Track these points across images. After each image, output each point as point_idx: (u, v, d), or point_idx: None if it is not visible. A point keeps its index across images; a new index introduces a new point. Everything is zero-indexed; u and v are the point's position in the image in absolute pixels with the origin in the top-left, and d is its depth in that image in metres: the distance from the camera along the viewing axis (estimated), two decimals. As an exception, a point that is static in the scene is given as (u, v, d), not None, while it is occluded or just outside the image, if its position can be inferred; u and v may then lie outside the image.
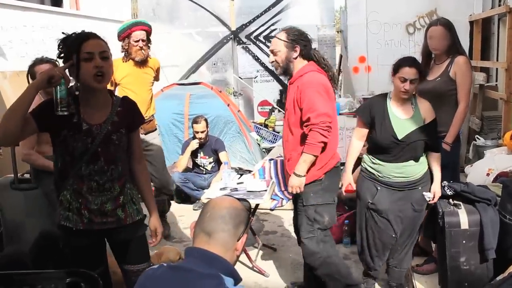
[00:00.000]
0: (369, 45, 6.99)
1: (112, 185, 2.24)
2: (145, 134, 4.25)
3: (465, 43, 5.74)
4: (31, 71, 3.44)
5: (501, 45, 6.02)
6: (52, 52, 2.08)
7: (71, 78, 2.14)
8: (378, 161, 3.03)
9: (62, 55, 2.15)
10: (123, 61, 4.14)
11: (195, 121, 5.50)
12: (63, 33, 2.18)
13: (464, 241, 2.83)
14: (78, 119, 2.14)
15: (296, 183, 2.84)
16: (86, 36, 2.12)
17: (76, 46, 2.08)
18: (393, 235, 3.07)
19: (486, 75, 6.13)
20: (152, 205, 2.46)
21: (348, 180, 3.20)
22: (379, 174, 3.04)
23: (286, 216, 4.91)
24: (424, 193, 3.02)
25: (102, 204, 2.22)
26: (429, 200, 3.03)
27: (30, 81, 3.45)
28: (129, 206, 2.31)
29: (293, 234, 4.49)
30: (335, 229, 4.33)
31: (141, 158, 2.43)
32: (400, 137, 2.91)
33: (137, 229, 2.36)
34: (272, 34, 8.01)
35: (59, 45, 2.16)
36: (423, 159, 3.01)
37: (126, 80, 4.11)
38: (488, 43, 6.70)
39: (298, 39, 2.94)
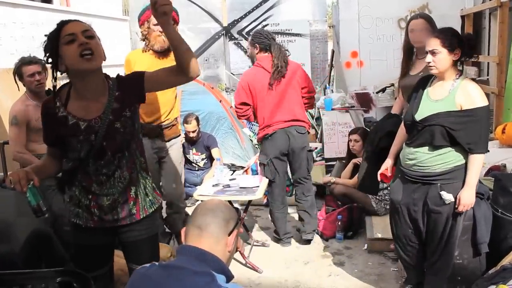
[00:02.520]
0: (361, 40, 6.97)
1: (121, 174, 2.09)
2: (167, 141, 3.72)
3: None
4: (18, 72, 3.40)
5: (492, 39, 6.03)
6: (41, 49, 1.99)
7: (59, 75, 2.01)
8: (403, 145, 2.86)
9: (48, 54, 1.97)
10: (143, 51, 3.57)
11: (185, 121, 5.48)
12: (45, 35, 2.00)
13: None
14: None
15: None
16: (65, 22, 1.96)
17: (56, 33, 1.93)
18: (410, 230, 2.89)
19: (477, 69, 6.14)
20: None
21: (385, 165, 3.07)
22: (400, 160, 2.87)
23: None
24: (441, 192, 2.66)
25: (113, 200, 2.10)
26: (448, 203, 2.66)
27: (17, 80, 3.41)
28: (142, 198, 2.17)
29: (292, 230, 4.50)
30: (327, 224, 4.34)
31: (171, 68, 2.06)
32: (418, 118, 2.67)
33: (150, 227, 2.22)
34: (264, 29, 7.99)
35: (44, 46, 1.98)
36: (451, 153, 2.64)
37: None
38: (479, 37, 6.71)
39: (255, 38, 3.97)
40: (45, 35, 2.00)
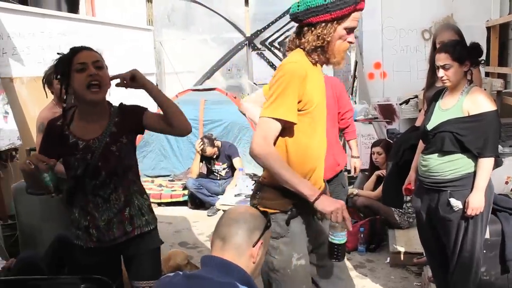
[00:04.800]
0: (385, 51, 6.91)
1: (117, 196, 2.18)
2: None
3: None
4: (48, 79, 3.46)
5: (520, 51, 5.94)
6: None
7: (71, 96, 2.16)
8: (420, 154, 2.90)
9: (59, 75, 2.12)
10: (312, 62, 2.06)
11: (202, 150, 5.57)
12: (58, 53, 2.16)
13: (484, 251, 2.76)
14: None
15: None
16: (78, 49, 2.12)
17: (68, 59, 2.08)
18: (430, 236, 2.86)
19: (503, 82, 6.02)
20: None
21: (409, 179, 3.12)
22: (418, 168, 2.90)
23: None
24: (450, 199, 2.65)
25: (109, 220, 2.17)
26: (457, 210, 2.63)
27: (46, 87, 3.47)
28: (137, 218, 2.23)
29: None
30: (350, 237, 4.29)
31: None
32: (429, 127, 2.72)
33: (147, 242, 2.27)
34: (287, 40, 7.99)
35: (55, 65, 2.14)
36: (460, 160, 2.64)
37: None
38: (505, 49, 6.59)
39: None
40: (58, 59, 2.14)
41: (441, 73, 2.68)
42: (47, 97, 3.51)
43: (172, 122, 2.14)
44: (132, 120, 2.21)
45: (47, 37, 5.17)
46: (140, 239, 2.24)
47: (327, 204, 1.89)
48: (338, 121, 3.50)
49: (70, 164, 2.15)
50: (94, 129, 2.16)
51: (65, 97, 2.21)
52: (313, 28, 2.00)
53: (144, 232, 2.25)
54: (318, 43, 1.98)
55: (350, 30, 1.97)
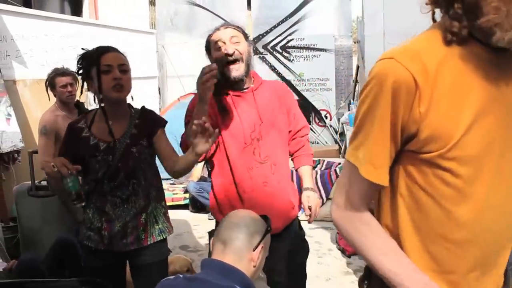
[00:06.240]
0: (387, 55, 6.94)
1: (137, 199, 2.17)
2: None
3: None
4: (51, 82, 3.48)
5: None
6: (71, 60, 2.09)
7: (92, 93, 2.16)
8: None
9: (81, 71, 2.15)
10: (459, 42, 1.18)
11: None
12: (82, 48, 2.17)
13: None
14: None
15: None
16: (105, 49, 2.12)
17: (95, 59, 2.08)
18: None
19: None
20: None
21: None
22: None
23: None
24: None
25: (125, 224, 2.15)
26: None
27: (49, 90, 3.50)
28: (151, 226, 2.22)
29: (312, 245, 4.46)
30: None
31: (173, 155, 2.22)
32: None
33: (158, 253, 2.25)
34: (289, 44, 8.02)
35: (78, 61, 2.15)
36: None
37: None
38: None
39: None
40: (82, 55, 2.14)
41: None
42: (49, 99, 3.54)
43: (173, 172, 2.16)
44: (149, 127, 2.22)
45: (50, 40, 5.19)
46: (150, 249, 2.22)
47: None
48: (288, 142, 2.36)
49: (91, 167, 2.13)
50: (116, 130, 2.15)
51: (95, 97, 2.16)
52: None
53: (156, 242, 2.23)
54: None
55: None
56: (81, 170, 2.11)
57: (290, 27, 8.04)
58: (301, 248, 2.39)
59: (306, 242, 2.41)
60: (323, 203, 5.27)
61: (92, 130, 2.16)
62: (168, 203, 5.92)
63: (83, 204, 2.10)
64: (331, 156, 6.81)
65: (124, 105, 2.20)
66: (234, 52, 2.15)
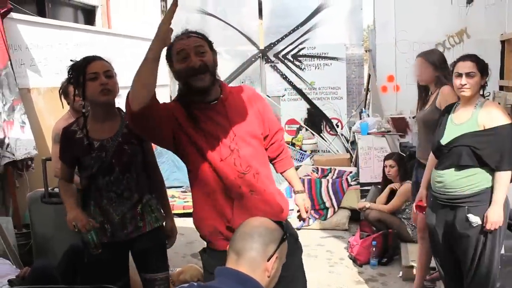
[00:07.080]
0: (398, 64, 6.92)
1: (131, 194, 2.37)
2: None
3: (496, 63, 5.63)
4: (65, 90, 3.51)
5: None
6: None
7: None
8: (433, 170, 2.85)
9: (72, 80, 2.35)
10: None
11: None
12: (71, 60, 2.39)
13: (500, 266, 2.72)
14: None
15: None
16: (91, 59, 2.32)
17: (82, 68, 2.28)
18: (446, 251, 2.81)
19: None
20: (167, 209, 2.60)
21: (419, 196, 3.09)
22: (431, 185, 2.85)
23: (313, 236, 4.86)
24: (468, 214, 2.60)
25: (123, 215, 2.35)
26: (475, 225, 2.58)
27: (63, 98, 3.53)
28: (148, 215, 2.42)
29: (320, 254, 4.44)
30: (362, 250, 4.26)
31: (155, 167, 2.56)
32: (444, 142, 2.70)
33: (156, 237, 2.47)
34: (301, 53, 8.04)
35: (68, 71, 2.37)
36: (478, 175, 2.61)
37: None
38: (521, 63, 6.55)
39: None
40: (71, 66, 2.36)
41: (463, 80, 2.66)
42: (63, 107, 3.56)
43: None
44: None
45: (64, 49, 5.26)
46: (149, 235, 2.43)
47: None
48: (265, 147, 2.32)
49: (86, 164, 2.34)
50: (107, 130, 2.36)
51: (82, 103, 2.43)
52: None
53: (154, 228, 2.44)
54: None
55: None
56: (77, 168, 2.42)
57: (302, 35, 8.06)
58: (296, 248, 2.36)
59: (299, 242, 2.39)
60: (334, 212, 5.24)
61: (85, 132, 2.35)
62: (180, 211, 5.98)
63: (100, 251, 2.29)
64: (342, 165, 6.78)
65: (113, 108, 2.41)
66: (199, 65, 2.02)
